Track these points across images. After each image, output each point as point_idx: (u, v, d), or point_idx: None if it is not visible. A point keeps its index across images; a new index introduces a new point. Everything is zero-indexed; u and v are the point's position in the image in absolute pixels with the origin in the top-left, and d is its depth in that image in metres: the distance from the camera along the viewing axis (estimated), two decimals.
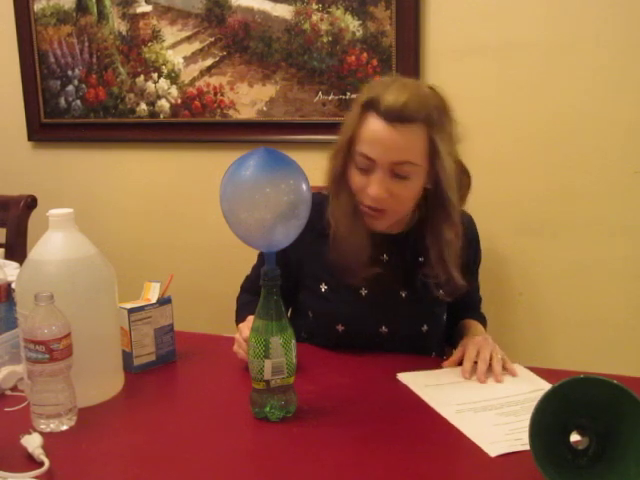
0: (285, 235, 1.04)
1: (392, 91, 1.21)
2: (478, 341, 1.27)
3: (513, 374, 1.21)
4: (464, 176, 1.33)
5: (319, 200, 1.27)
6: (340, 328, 1.34)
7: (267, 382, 1.05)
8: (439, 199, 1.27)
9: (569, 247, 1.84)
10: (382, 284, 1.33)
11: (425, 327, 1.36)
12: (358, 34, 1.91)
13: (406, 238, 1.36)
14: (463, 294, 1.43)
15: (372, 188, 1.23)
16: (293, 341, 1.06)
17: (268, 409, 1.06)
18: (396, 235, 1.36)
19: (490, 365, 1.22)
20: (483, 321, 1.50)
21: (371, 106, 1.22)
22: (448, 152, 1.23)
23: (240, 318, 1.34)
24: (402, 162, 1.21)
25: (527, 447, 0.87)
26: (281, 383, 1.05)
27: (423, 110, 1.20)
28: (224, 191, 1.04)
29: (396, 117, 1.19)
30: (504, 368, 1.22)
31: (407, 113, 1.18)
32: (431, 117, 1.21)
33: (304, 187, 1.04)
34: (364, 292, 1.34)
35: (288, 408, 1.07)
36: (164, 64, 2.12)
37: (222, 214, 1.04)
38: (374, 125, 1.21)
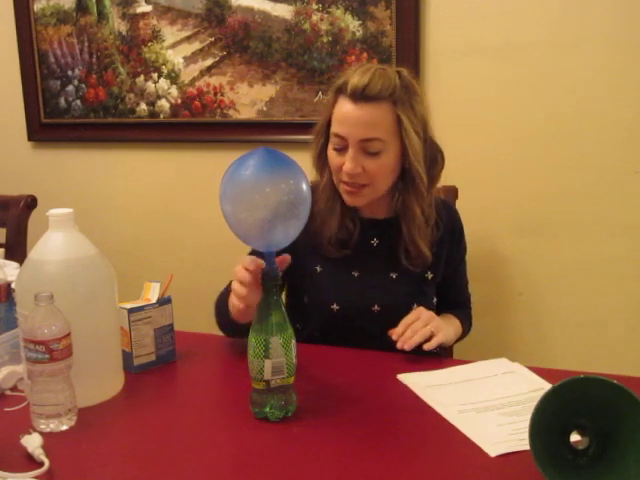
0: (285, 235, 1.05)
1: (357, 73, 1.30)
2: (421, 311, 1.33)
3: (425, 348, 1.27)
4: (438, 155, 1.39)
5: (314, 187, 1.39)
6: (335, 307, 1.39)
7: (267, 382, 1.04)
8: (409, 174, 1.35)
9: (569, 247, 1.84)
10: (373, 267, 1.41)
11: (415, 306, 1.39)
12: (358, 34, 1.91)
13: (392, 223, 1.41)
14: (450, 292, 1.50)
15: (346, 165, 1.31)
16: (293, 341, 1.06)
17: (268, 409, 1.06)
18: (383, 220, 1.43)
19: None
20: (465, 319, 1.51)
21: (341, 90, 1.32)
22: (415, 129, 1.31)
23: (222, 302, 1.32)
24: (371, 139, 1.29)
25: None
26: (281, 383, 1.05)
27: (387, 89, 1.28)
28: (224, 191, 1.04)
29: (361, 96, 1.28)
30: (425, 342, 1.27)
31: (371, 92, 1.27)
32: (396, 96, 1.29)
33: (304, 187, 1.04)
34: (356, 274, 1.41)
35: (288, 408, 1.07)
36: (164, 64, 2.13)
37: (222, 214, 1.04)
38: (343, 106, 1.30)
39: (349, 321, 1.39)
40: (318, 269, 1.42)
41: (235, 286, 1.15)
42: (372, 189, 1.34)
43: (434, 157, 1.38)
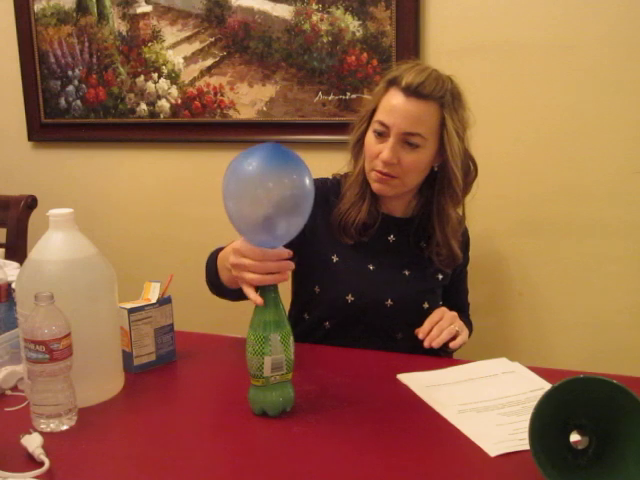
0: (286, 231, 1.04)
1: (414, 71, 1.35)
2: (444, 310, 1.37)
3: (451, 346, 1.33)
4: (472, 164, 1.44)
5: (337, 180, 1.50)
6: (350, 299, 1.40)
7: (266, 379, 1.05)
8: (446, 175, 1.39)
9: (569, 247, 1.84)
10: (388, 262, 1.44)
11: (426, 305, 1.44)
12: (358, 34, 1.91)
13: (411, 222, 1.46)
14: (452, 297, 1.54)
15: (384, 153, 1.34)
16: (291, 337, 1.07)
17: (267, 405, 1.06)
18: (402, 218, 1.47)
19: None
20: (468, 325, 1.53)
21: (394, 82, 1.36)
22: (457, 133, 1.36)
23: (212, 263, 1.32)
24: (413, 133, 1.33)
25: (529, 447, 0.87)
26: (280, 379, 1.06)
27: (439, 91, 1.34)
28: (226, 186, 1.03)
29: (413, 92, 1.32)
30: (450, 341, 1.32)
31: (424, 90, 1.32)
32: (445, 99, 1.34)
33: (307, 183, 1.03)
34: (371, 267, 1.43)
35: (286, 403, 1.07)
36: (164, 64, 2.13)
37: (224, 210, 1.04)
38: (394, 97, 1.35)
39: (361, 313, 1.41)
40: (334, 259, 1.43)
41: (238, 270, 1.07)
42: (401, 182, 1.38)
43: (468, 165, 1.43)
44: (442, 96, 1.33)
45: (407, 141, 1.33)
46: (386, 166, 1.35)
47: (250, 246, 1.04)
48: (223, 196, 1.03)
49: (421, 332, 1.32)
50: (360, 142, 1.43)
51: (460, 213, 1.47)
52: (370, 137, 1.38)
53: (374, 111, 1.39)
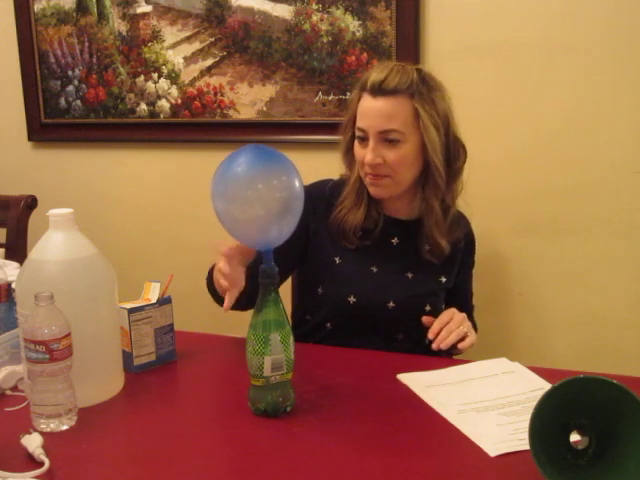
0: (279, 232, 1.04)
1: (376, 70, 1.38)
2: (453, 311, 1.37)
3: (460, 347, 1.32)
4: (461, 149, 1.43)
5: (342, 181, 1.48)
6: (352, 300, 1.41)
7: (267, 379, 1.05)
8: (428, 168, 1.39)
9: (569, 247, 1.84)
10: (391, 264, 1.44)
11: (428, 307, 1.44)
12: (358, 34, 1.91)
13: (414, 225, 1.45)
14: (457, 299, 1.52)
15: (367, 156, 1.36)
16: (291, 337, 1.07)
17: (267, 405, 1.06)
18: (406, 221, 1.46)
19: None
20: (473, 327, 1.52)
21: (363, 87, 1.38)
22: (434, 123, 1.35)
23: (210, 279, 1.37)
24: (389, 130, 1.34)
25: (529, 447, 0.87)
26: (280, 379, 1.06)
27: (404, 83, 1.34)
28: (215, 189, 1.05)
29: (379, 90, 1.34)
30: (458, 342, 1.31)
31: (388, 86, 1.34)
32: (414, 89, 1.34)
33: (296, 183, 1.04)
34: (374, 269, 1.44)
35: (287, 403, 1.07)
36: (164, 64, 2.13)
37: (215, 212, 1.04)
38: (364, 101, 1.37)
39: (363, 314, 1.42)
40: (337, 260, 1.44)
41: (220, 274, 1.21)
42: (393, 180, 1.38)
43: (456, 151, 1.41)
44: (409, 87, 1.34)
45: (386, 139, 1.34)
46: (372, 168, 1.36)
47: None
48: (212, 199, 1.05)
49: (431, 333, 1.32)
50: (350, 152, 1.44)
51: (453, 205, 1.45)
52: (356, 144, 1.40)
53: (354, 119, 1.40)
